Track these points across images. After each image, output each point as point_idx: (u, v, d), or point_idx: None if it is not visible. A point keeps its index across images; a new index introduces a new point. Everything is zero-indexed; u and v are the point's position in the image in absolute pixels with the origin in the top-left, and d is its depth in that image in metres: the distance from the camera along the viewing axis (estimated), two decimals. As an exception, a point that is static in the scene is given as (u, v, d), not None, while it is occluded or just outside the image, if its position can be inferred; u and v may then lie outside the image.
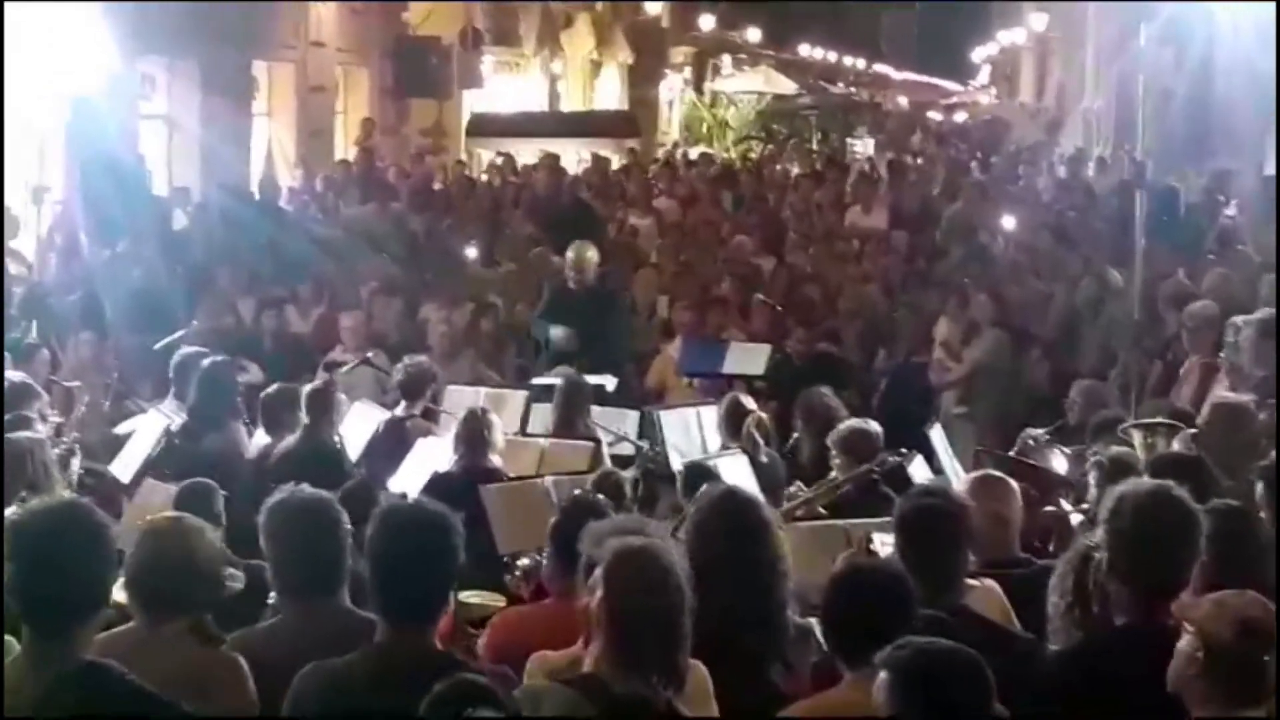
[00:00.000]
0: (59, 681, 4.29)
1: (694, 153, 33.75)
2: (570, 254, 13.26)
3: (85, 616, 4.40)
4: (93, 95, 15.41)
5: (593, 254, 13.30)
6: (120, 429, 10.49)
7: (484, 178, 25.40)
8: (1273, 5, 16.90)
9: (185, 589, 5.04)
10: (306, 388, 9.92)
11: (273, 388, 10.21)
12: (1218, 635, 4.36)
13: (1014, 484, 6.79)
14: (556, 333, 12.74)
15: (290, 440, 9.57)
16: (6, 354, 10.94)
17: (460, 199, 21.25)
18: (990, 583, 6.02)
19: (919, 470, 8.82)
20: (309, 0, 24.47)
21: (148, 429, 9.94)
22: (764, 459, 9.49)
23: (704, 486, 6.36)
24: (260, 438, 9.99)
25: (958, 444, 10.24)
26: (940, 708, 4.22)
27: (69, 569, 4.35)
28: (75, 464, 8.83)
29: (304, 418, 9.64)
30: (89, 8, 14.79)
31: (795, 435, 9.94)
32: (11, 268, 14.49)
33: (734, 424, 9.78)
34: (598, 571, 4.69)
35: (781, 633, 5.51)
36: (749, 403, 10.00)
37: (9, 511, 7.22)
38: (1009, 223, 18.78)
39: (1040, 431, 9.53)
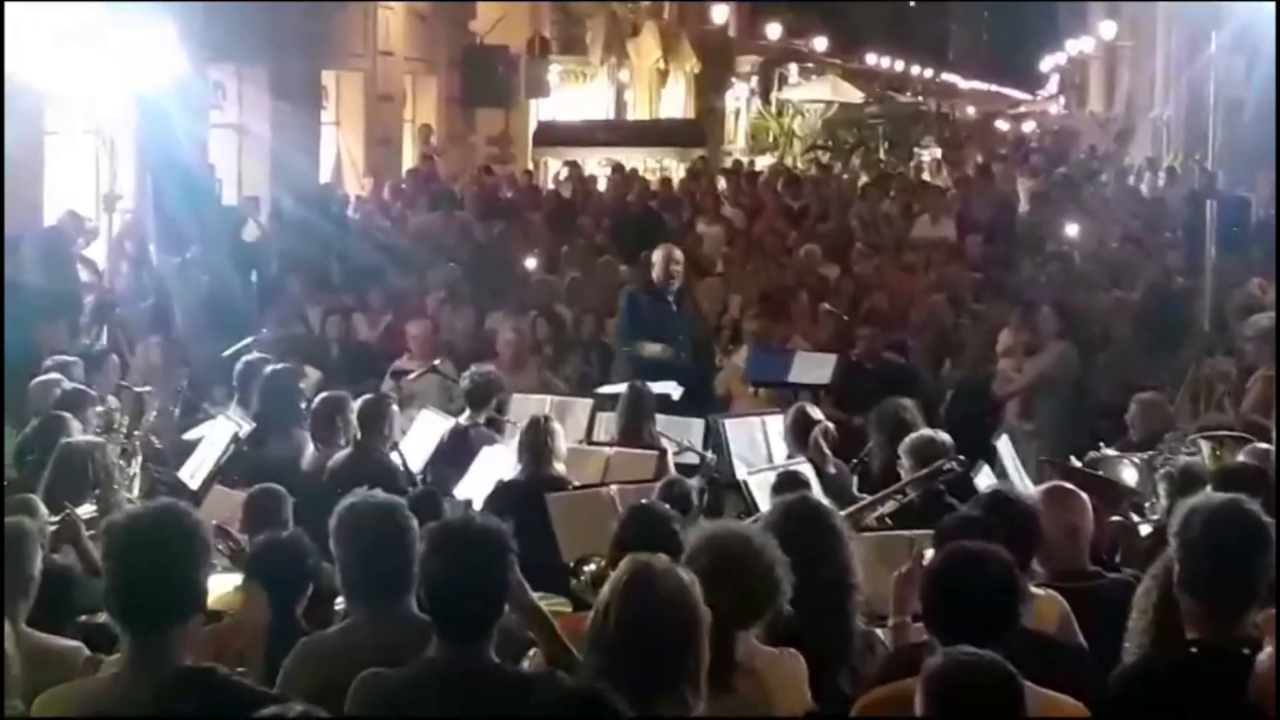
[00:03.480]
0: (166, 688, 4.29)
1: (760, 162, 33.70)
2: (657, 255, 13.30)
3: (183, 619, 4.39)
4: (164, 102, 15.54)
5: (679, 255, 13.38)
6: (189, 435, 10.57)
7: (551, 186, 25.49)
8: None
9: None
10: (358, 401, 9.87)
11: (317, 400, 10.17)
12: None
13: (1085, 495, 6.74)
14: (653, 349, 12.63)
15: (340, 456, 9.54)
16: (79, 360, 11.03)
17: (526, 207, 21.32)
18: (1053, 594, 5.98)
19: (985, 481, 8.78)
20: (378, 2, 24.53)
21: (216, 435, 10.00)
22: (831, 469, 9.47)
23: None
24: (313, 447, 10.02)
25: (1021, 456, 10.17)
26: (967, 717, 4.22)
27: (168, 570, 4.35)
28: (136, 465, 8.90)
29: (356, 432, 9.64)
30: (160, 14, 14.90)
31: (869, 445, 9.86)
32: (83, 275, 14.63)
33: (801, 434, 9.76)
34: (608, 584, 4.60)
35: (850, 639, 5.51)
36: (816, 413, 9.97)
37: (84, 510, 7.33)
38: (1074, 231, 18.70)
39: (1109, 451, 9.47)
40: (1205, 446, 8.30)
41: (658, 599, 4.38)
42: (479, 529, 4.90)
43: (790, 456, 9.70)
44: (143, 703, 4.28)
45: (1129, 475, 8.86)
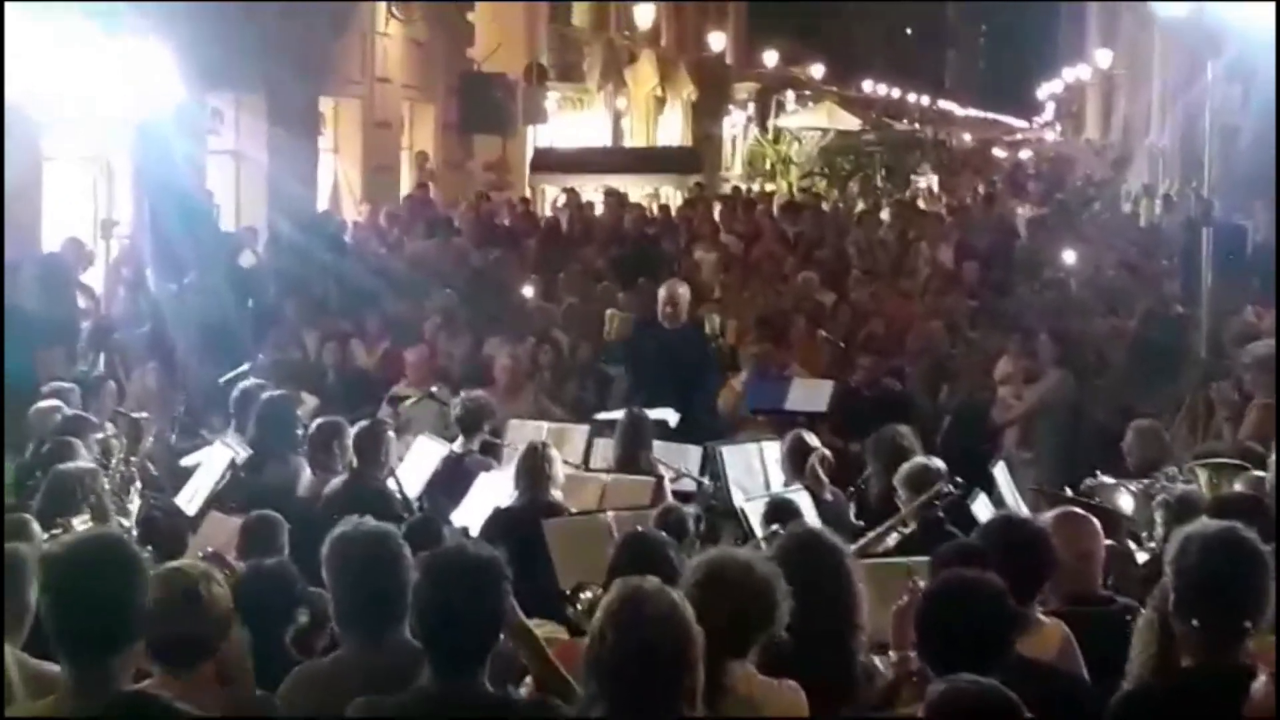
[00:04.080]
0: (105, 711, 4.30)
1: (756, 188, 33.76)
2: (663, 292, 13.29)
3: (120, 647, 4.42)
4: (161, 129, 15.56)
5: (685, 291, 13.35)
6: (186, 461, 10.56)
7: (548, 213, 25.52)
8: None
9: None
10: (355, 428, 9.83)
11: (314, 425, 10.14)
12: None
13: (1097, 522, 6.73)
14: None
15: (336, 482, 9.50)
16: (75, 386, 11.02)
17: (523, 234, 21.35)
18: (1057, 621, 5.98)
19: (982, 508, 8.78)
20: (377, 0, 24.53)
21: (213, 461, 9.99)
22: (828, 496, 9.47)
23: (786, 523, 6.37)
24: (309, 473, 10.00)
25: (1018, 483, 10.17)
26: None
27: (101, 600, 4.38)
28: (134, 492, 8.87)
29: (352, 459, 9.61)
30: (158, 41, 14.93)
31: (866, 472, 9.86)
32: (80, 301, 14.62)
33: (798, 461, 9.76)
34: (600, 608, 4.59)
35: (852, 671, 5.51)
36: (813, 440, 9.97)
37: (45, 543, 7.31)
38: (1070, 258, 18.73)
39: (1106, 479, 9.47)
40: (1202, 475, 8.29)
41: (648, 620, 4.38)
42: (474, 558, 4.88)
43: (787, 483, 9.70)
44: None
45: (1125, 503, 8.86)
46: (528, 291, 17.02)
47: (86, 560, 4.43)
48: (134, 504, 9.05)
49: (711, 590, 4.83)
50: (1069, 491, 9.26)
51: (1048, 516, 6.86)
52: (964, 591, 5.02)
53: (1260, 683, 4.37)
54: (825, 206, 26.64)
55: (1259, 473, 7.86)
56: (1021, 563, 5.91)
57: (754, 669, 5.00)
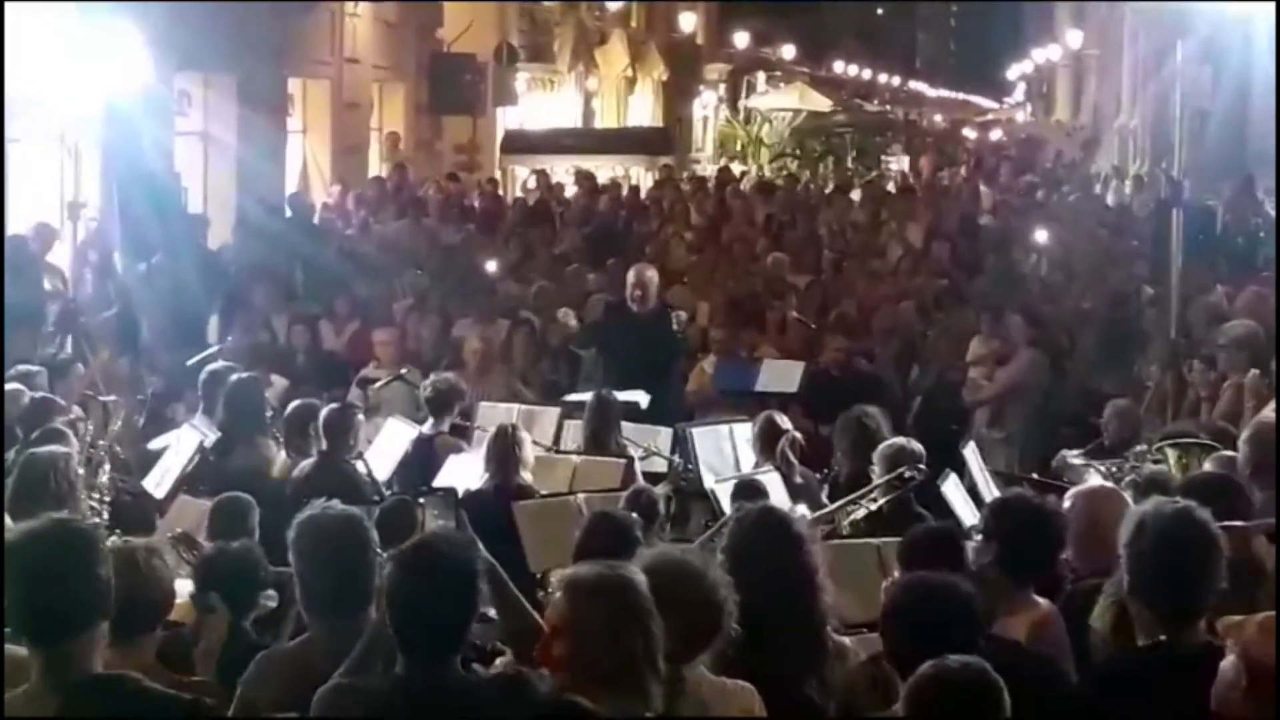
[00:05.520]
0: (75, 693, 4.32)
1: (735, 169, 33.72)
2: (631, 275, 13.23)
3: (80, 630, 4.40)
4: (129, 110, 15.46)
5: (653, 274, 13.29)
6: (154, 444, 10.51)
7: (519, 194, 25.47)
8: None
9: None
10: (324, 410, 9.81)
11: (289, 408, 10.14)
12: (1262, 658, 4.31)
13: (1123, 495, 6.70)
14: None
15: (306, 465, 9.50)
16: (44, 369, 10.96)
17: (493, 216, 21.29)
18: (1046, 604, 5.96)
19: (952, 488, 8.79)
20: (345, 1, 24.46)
21: (181, 445, 9.95)
22: (799, 480, 9.46)
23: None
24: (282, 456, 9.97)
25: (990, 463, 10.18)
26: None
27: (65, 583, 4.37)
28: (104, 476, 8.83)
29: (322, 442, 9.59)
30: (126, 22, 14.83)
31: (836, 455, 9.84)
32: (47, 283, 14.54)
33: (768, 443, 9.75)
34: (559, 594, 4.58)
35: (819, 649, 5.49)
36: (784, 422, 9.96)
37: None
38: (1043, 237, 18.76)
39: (1076, 453, 9.49)
40: (1171, 454, 8.30)
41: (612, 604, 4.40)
42: (447, 549, 4.86)
43: (758, 465, 9.70)
44: (52, 714, 4.30)
45: (1094, 483, 8.86)
46: (497, 271, 16.97)
47: (44, 545, 4.43)
48: (103, 487, 9.01)
49: (660, 603, 4.75)
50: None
51: (1078, 491, 6.84)
52: (932, 600, 4.98)
53: (1229, 662, 4.37)
54: (798, 188, 26.56)
55: (1229, 452, 7.87)
56: (1026, 541, 5.91)
57: (706, 671, 4.94)
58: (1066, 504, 6.60)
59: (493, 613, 6.23)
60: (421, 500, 6.53)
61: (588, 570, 4.59)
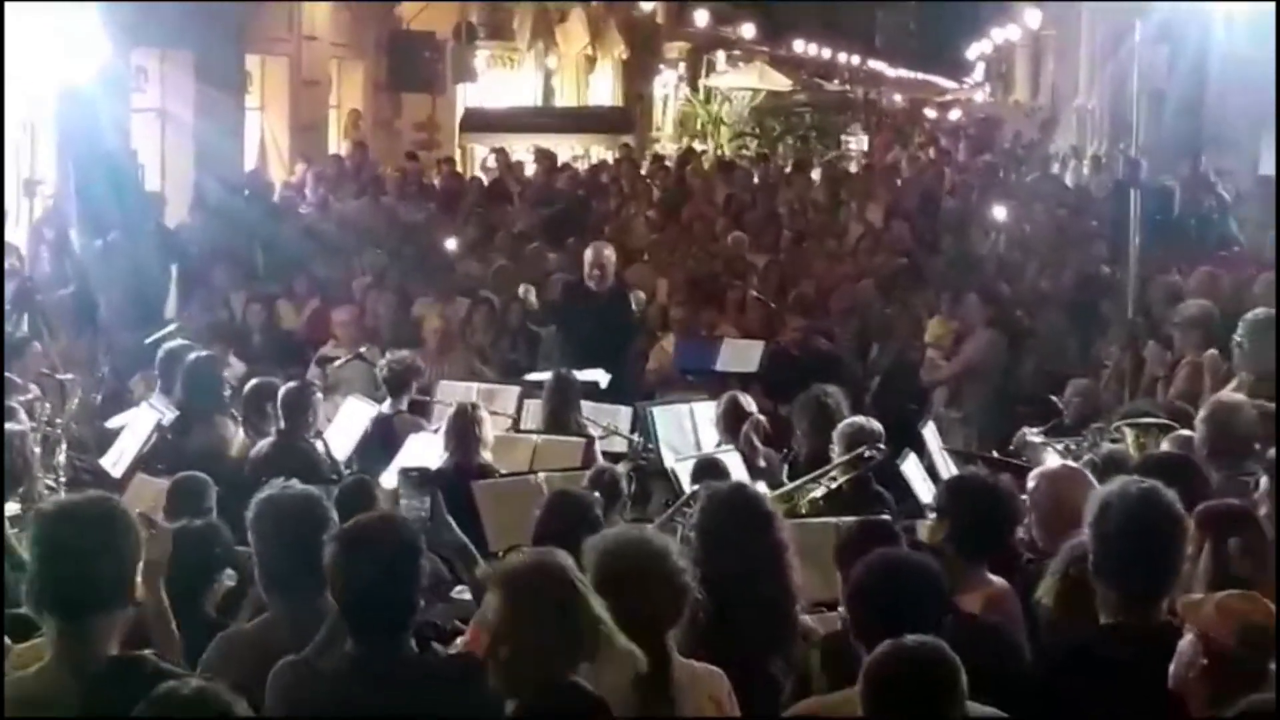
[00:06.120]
0: (96, 680, 4.26)
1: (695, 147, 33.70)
2: (589, 254, 13.17)
3: (107, 608, 4.37)
4: (85, 87, 15.35)
5: (610, 253, 13.25)
6: (111, 423, 10.46)
7: (479, 174, 25.39)
8: (1266, 5, 16.88)
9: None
10: (282, 389, 9.77)
11: (248, 387, 10.11)
12: (1220, 638, 4.33)
13: (1087, 475, 6.73)
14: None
15: (264, 444, 9.47)
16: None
17: (452, 194, 21.23)
18: (1001, 582, 5.98)
19: (912, 467, 8.81)
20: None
21: (139, 424, 9.90)
22: (762, 463, 9.47)
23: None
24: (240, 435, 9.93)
25: (949, 443, 10.22)
26: (908, 704, 4.24)
27: (97, 561, 4.33)
28: (61, 454, 8.79)
29: (280, 421, 9.55)
30: (82, -1, 14.73)
31: (796, 435, 9.84)
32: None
33: (732, 425, 9.76)
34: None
35: (788, 629, 5.50)
36: (749, 404, 9.96)
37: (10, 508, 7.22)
38: (1001, 214, 18.83)
39: (1035, 430, 9.53)
40: (1129, 434, 8.34)
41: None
42: (384, 528, 4.86)
43: (720, 444, 9.70)
44: (74, 695, 4.26)
45: (1052, 461, 8.90)
46: (457, 250, 16.92)
47: (81, 520, 4.39)
48: (60, 466, 8.97)
49: (622, 585, 4.72)
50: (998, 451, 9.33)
51: (1042, 471, 6.86)
52: (899, 576, 4.98)
53: (1187, 641, 4.40)
54: (758, 167, 26.54)
55: (1186, 432, 7.91)
56: (979, 519, 5.93)
57: (675, 653, 4.92)
58: (1030, 484, 6.61)
59: (465, 594, 6.26)
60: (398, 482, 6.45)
61: (518, 562, 4.56)
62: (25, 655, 4.64)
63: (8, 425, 8.00)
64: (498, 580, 4.49)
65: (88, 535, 4.34)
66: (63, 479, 8.74)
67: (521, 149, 26.78)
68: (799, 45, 58.57)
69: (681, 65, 46.73)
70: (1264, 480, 6.37)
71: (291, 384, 9.95)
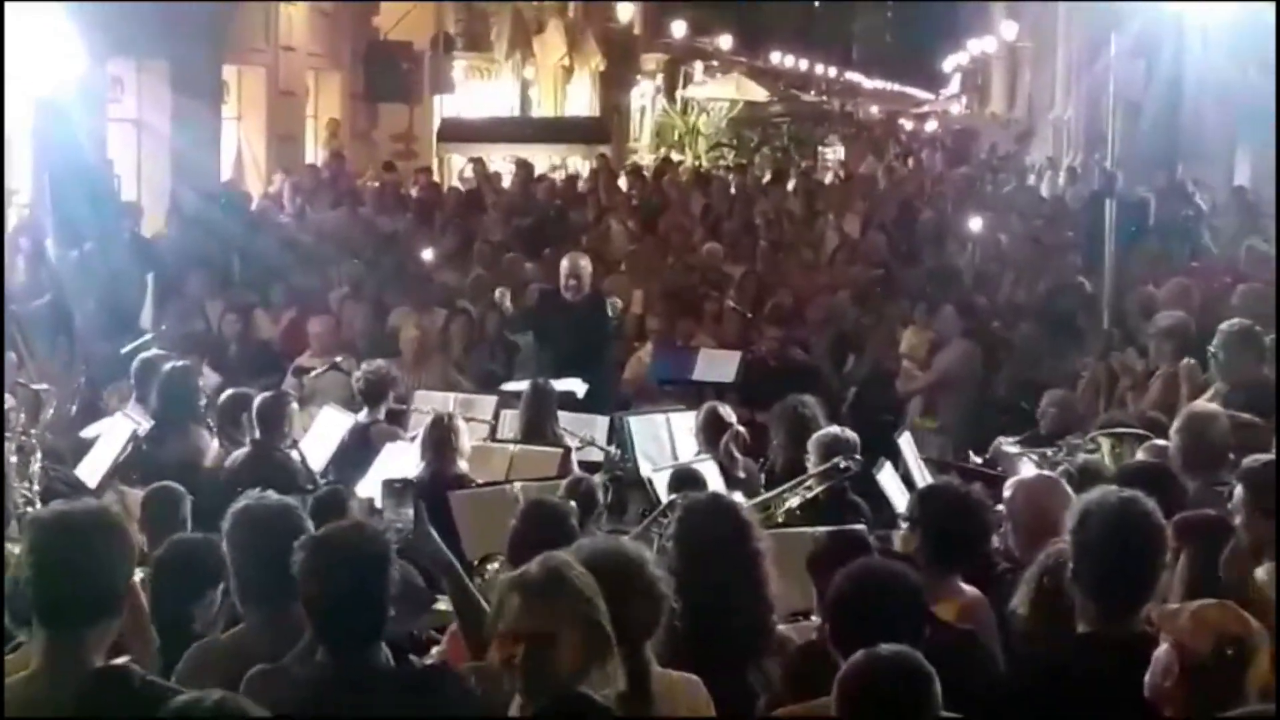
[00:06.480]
0: (83, 689, 4.24)
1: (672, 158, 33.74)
2: (565, 264, 13.16)
3: (99, 618, 4.35)
4: (60, 97, 15.30)
5: (587, 263, 13.25)
6: (87, 433, 10.42)
7: (456, 184, 25.37)
8: (1240, 18, 16.95)
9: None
10: (257, 399, 9.75)
11: (222, 397, 10.09)
12: (1195, 648, 4.34)
13: (1064, 485, 6.72)
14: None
15: (239, 454, 9.45)
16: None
17: (429, 205, 21.21)
18: (974, 591, 5.99)
19: (888, 477, 8.82)
20: (280, 0, 24.33)
21: (114, 434, 9.86)
22: (741, 474, 9.48)
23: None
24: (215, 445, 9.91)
25: (924, 453, 10.23)
26: (881, 713, 4.25)
27: (92, 570, 4.31)
28: (36, 464, 8.75)
29: (255, 431, 9.53)
30: (56, 7, 14.66)
31: (773, 445, 9.86)
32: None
33: (712, 435, 9.75)
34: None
35: (765, 639, 5.50)
36: (728, 415, 9.96)
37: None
38: (977, 225, 18.88)
39: (1011, 440, 9.55)
40: (1105, 444, 8.37)
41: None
42: (355, 539, 4.83)
43: (698, 454, 9.70)
44: (60, 704, 4.23)
45: (1027, 471, 8.92)
46: (434, 260, 16.91)
47: (77, 529, 4.36)
48: (35, 476, 8.92)
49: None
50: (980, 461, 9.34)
51: (1018, 481, 6.86)
52: (878, 585, 4.98)
53: (1163, 650, 4.41)
54: (735, 178, 26.58)
55: (1161, 441, 7.94)
56: (950, 530, 5.93)
57: (654, 662, 4.91)
58: (1006, 493, 6.62)
59: (444, 605, 6.22)
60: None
61: (532, 569, 4.55)
62: (13, 662, 4.63)
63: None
64: (518, 584, 4.47)
65: (84, 547, 4.32)
66: (37, 489, 8.69)
67: (499, 159, 26.79)
68: (776, 57, 58.77)
69: (659, 76, 46.81)
70: (1239, 490, 6.38)
71: (267, 394, 9.93)
